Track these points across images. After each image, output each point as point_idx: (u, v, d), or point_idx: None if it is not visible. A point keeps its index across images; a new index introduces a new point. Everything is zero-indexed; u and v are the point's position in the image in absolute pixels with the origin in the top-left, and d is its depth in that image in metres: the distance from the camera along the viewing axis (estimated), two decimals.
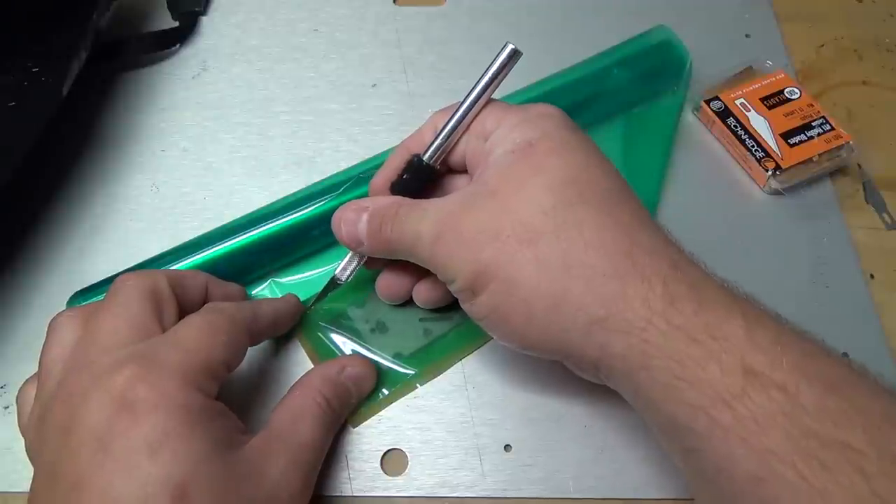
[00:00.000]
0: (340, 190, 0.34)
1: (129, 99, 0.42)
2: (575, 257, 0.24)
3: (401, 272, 0.32)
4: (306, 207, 0.34)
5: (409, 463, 0.30)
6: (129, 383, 0.22)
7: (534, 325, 0.25)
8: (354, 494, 0.29)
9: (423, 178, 0.29)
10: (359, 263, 0.31)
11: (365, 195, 0.34)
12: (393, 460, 0.30)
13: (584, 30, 0.44)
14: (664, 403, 0.23)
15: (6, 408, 0.32)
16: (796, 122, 0.38)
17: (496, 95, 0.29)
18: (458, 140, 0.29)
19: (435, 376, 0.32)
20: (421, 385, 0.32)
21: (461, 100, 0.28)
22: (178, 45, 0.44)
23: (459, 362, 0.32)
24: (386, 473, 0.30)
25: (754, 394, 0.21)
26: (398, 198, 0.29)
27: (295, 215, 0.33)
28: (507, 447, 0.30)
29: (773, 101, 0.39)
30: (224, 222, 0.35)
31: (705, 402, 0.22)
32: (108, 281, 0.32)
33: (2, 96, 0.33)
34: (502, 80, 0.28)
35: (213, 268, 0.32)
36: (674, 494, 0.29)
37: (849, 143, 0.37)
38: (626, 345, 0.23)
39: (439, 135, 0.29)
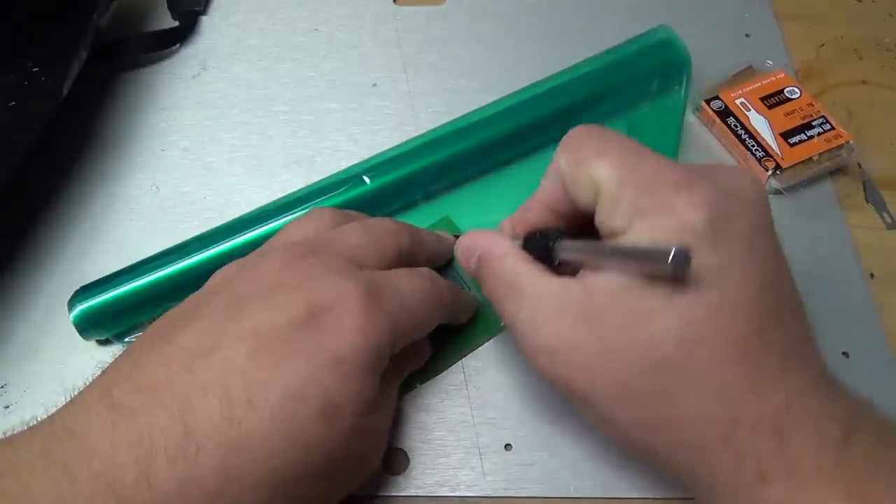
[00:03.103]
0: (341, 189, 0.34)
1: (129, 99, 0.42)
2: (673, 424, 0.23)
3: None
4: (306, 206, 0.33)
5: (410, 462, 0.30)
6: (353, 301, 0.24)
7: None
8: (355, 494, 0.29)
9: (547, 256, 0.26)
10: None
11: (365, 193, 0.34)
12: (393, 460, 0.30)
13: (584, 30, 0.44)
14: None
15: (6, 407, 0.32)
16: (796, 122, 0.38)
17: None
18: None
19: (435, 376, 0.32)
20: (421, 385, 0.32)
21: None
22: (178, 45, 0.44)
23: (459, 362, 0.32)
24: (386, 473, 0.30)
25: None
26: (511, 254, 0.26)
27: (294, 213, 0.33)
28: (507, 446, 0.30)
29: (773, 100, 0.39)
30: (224, 222, 0.35)
31: None
32: (111, 277, 0.32)
33: (2, 96, 0.33)
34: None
35: (212, 266, 0.32)
36: (674, 494, 0.29)
37: (849, 142, 0.37)
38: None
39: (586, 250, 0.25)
